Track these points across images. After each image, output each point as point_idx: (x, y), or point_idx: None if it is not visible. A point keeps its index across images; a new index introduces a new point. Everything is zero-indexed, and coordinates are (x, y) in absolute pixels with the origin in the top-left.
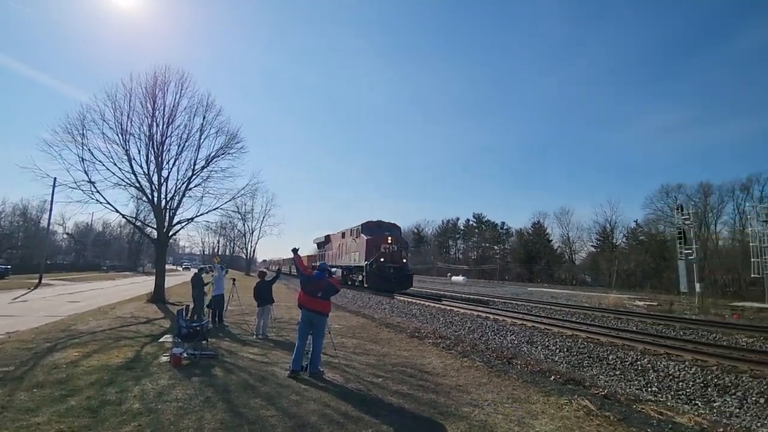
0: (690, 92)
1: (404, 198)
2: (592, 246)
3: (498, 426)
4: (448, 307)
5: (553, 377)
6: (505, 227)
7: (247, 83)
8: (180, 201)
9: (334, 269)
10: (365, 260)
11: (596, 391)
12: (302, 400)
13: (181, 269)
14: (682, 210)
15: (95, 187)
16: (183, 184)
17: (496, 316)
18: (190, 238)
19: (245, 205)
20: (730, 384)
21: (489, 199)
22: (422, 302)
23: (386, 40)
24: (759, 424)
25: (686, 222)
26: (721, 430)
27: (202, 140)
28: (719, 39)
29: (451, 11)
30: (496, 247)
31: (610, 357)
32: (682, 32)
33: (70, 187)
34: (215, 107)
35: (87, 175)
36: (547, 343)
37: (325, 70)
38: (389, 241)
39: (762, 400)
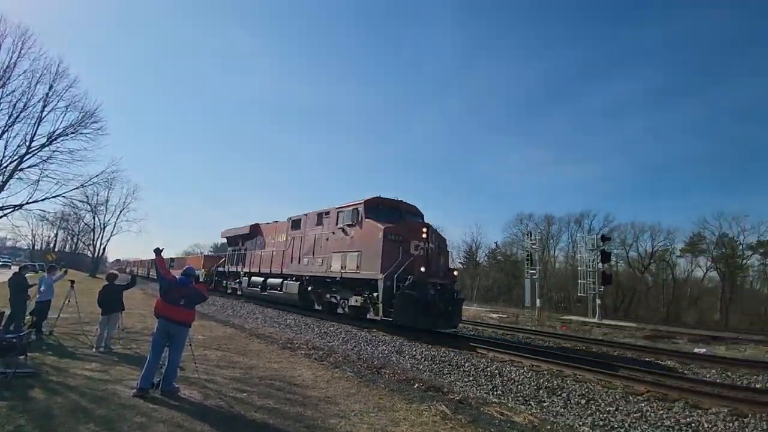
0: (547, 138)
1: (279, 199)
2: (459, 263)
3: None
4: (324, 318)
5: (416, 385)
6: None
7: (121, 64)
8: (5, 183)
9: (278, 280)
10: (381, 270)
11: (452, 397)
12: (149, 422)
13: None
14: (530, 235)
15: None
16: (12, 162)
17: (371, 329)
18: (14, 229)
19: (98, 195)
20: (557, 386)
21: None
22: (297, 313)
23: (273, 37)
24: (580, 423)
25: (533, 246)
26: (549, 427)
27: (44, 113)
28: (572, 97)
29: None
30: None
31: (466, 364)
32: (543, 88)
33: None
34: (67, 77)
35: None
36: (414, 353)
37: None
38: (425, 235)
39: (583, 401)
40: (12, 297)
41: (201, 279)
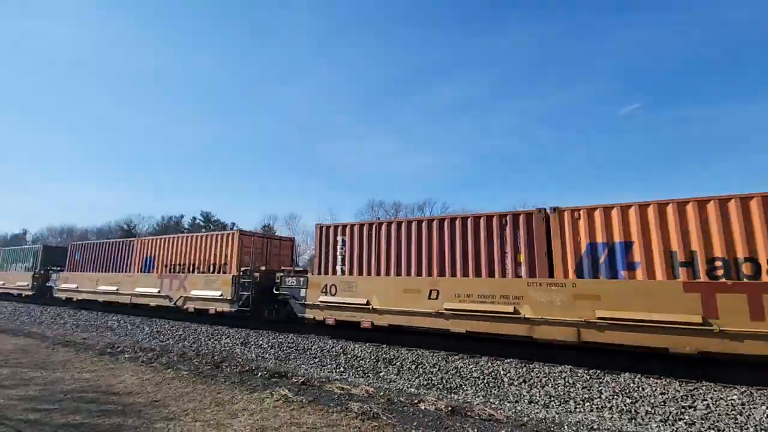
0: (395, 129)
1: (116, 189)
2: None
3: None
4: (158, 316)
5: (260, 374)
6: (235, 227)
7: None
8: None
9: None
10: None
11: (296, 380)
12: None
13: None
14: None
15: None
16: None
17: (214, 324)
18: None
19: None
20: (393, 357)
21: (218, 201)
22: (123, 314)
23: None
24: (408, 386)
25: None
26: (382, 394)
27: None
28: (421, 89)
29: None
30: None
31: (313, 347)
32: (393, 79)
33: None
34: None
35: None
36: (260, 342)
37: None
38: None
39: (413, 367)
40: None
41: None
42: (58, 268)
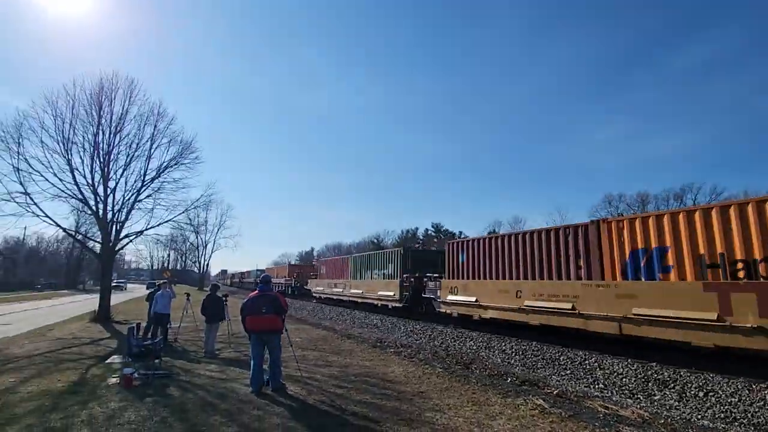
0: (631, 107)
1: (365, 208)
2: None
3: (459, 429)
4: (409, 318)
5: (509, 379)
6: (462, 236)
7: (203, 93)
8: (128, 213)
9: None
10: None
11: (549, 391)
12: (264, 415)
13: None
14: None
15: (32, 199)
16: (132, 195)
17: (456, 326)
18: (137, 253)
19: (198, 217)
20: (668, 378)
21: (447, 210)
22: (382, 314)
23: (340, 49)
24: (699, 416)
25: None
26: (662, 421)
27: (152, 150)
28: (660, 57)
29: (396, 23)
30: None
31: (561, 358)
32: (623, 50)
33: (3, 199)
34: (167, 116)
35: (23, 186)
36: (503, 347)
37: (282, 80)
38: None
39: (701, 394)
40: (150, 310)
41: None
42: (436, 275)
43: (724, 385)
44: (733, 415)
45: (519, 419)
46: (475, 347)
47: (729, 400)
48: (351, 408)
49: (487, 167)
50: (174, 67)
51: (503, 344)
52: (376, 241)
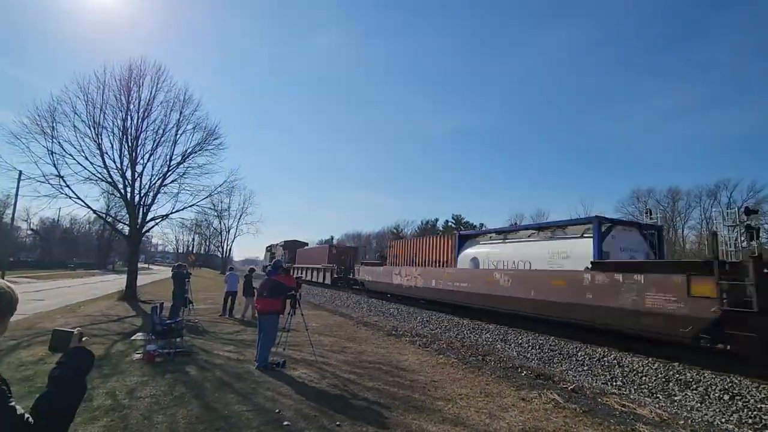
0: (670, 85)
1: (385, 195)
2: None
3: (470, 419)
4: (425, 308)
5: (524, 373)
6: (484, 228)
7: (226, 84)
8: (154, 197)
9: None
10: None
11: (565, 386)
12: (278, 395)
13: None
14: (650, 214)
15: (65, 182)
16: (158, 180)
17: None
18: (163, 236)
19: (222, 202)
20: (691, 379)
21: (467, 202)
22: (399, 303)
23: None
24: (723, 419)
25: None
26: (682, 422)
27: (178, 136)
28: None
29: None
30: None
31: (579, 353)
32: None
33: (38, 181)
34: (193, 102)
35: (56, 169)
36: (520, 341)
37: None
38: None
39: (726, 397)
40: (175, 288)
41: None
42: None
43: (753, 389)
44: (763, 421)
45: (531, 412)
46: (491, 339)
47: (759, 406)
48: (363, 394)
49: (515, 148)
50: (197, 53)
51: (519, 338)
52: (395, 230)
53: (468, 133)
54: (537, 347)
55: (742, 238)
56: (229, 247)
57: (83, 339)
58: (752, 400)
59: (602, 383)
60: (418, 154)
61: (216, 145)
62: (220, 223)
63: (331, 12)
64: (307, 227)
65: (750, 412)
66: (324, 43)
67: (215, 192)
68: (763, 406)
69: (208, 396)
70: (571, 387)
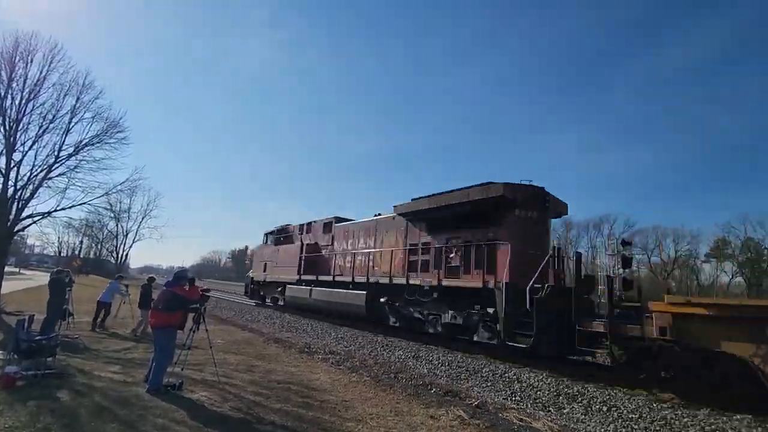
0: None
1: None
2: None
3: None
4: (339, 324)
5: (433, 390)
6: None
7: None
8: (35, 191)
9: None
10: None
11: (470, 402)
12: (171, 422)
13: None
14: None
15: None
16: (42, 171)
17: (387, 335)
18: (42, 236)
19: (121, 202)
20: (577, 393)
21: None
22: (313, 318)
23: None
24: (602, 430)
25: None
26: None
27: (72, 124)
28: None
29: None
30: None
31: (484, 370)
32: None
33: None
34: (94, 89)
35: None
36: (430, 358)
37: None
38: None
39: (605, 408)
40: (51, 297)
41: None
42: None
43: (626, 401)
44: (634, 430)
45: (439, 429)
46: (403, 357)
47: (630, 416)
48: (269, 417)
49: (427, 178)
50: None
51: (431, 354)
52: None
53: (389, 156)
54: (446, 364)
55: (619, 266)
56: (125, 253)
57: None
58: (625, 411)
59: (503, 398)
60: (342, 170)
61: (119, 139)
62: (117, 225)
63: (265, 18)
64: (224, 235)
65: (624, 422)
66: (256, 49)
67: (113, 191)
68: (633, 416)
69: (81, 426)
70: (476, 403)
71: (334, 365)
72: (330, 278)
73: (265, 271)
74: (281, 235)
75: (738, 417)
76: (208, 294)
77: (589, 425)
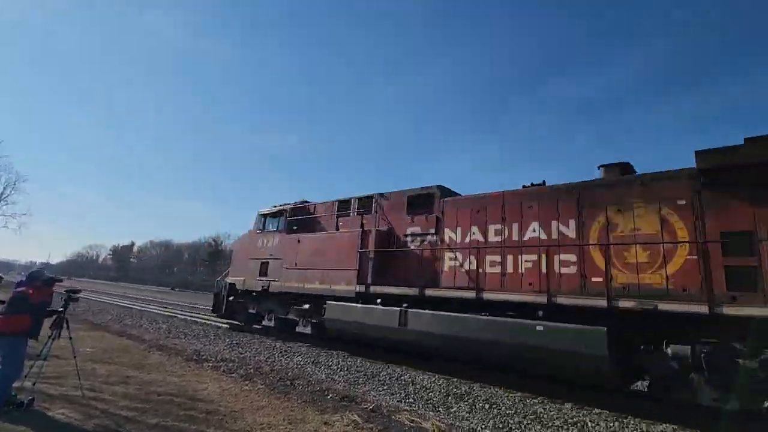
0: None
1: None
2: None
3: None
4: (236, 329)
5: (330, 395)
6: None
7: None
8: None
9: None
10: None
11: (366, 406)
12: None
13: None
14: None
15: None
16: None
17: (287, 340)
18: None
19: None
20: (465, 393)
21: None
22: (206, 323)
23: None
24: (482, 426)
25: None
26: (454, 431)
27: None
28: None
29: None
30: None
31: (382, 374)
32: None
33: None
34: None
35: None
36: (330, 363)
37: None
38: None
39: (487, 406)
40: None
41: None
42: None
43: (505, 398)
44: (509, 425)
45: None
46: (302, 362)
47: (507, 412)
48: None
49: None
50: None
51: (330, 360)
52: (214, 242)
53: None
54: (345, 369)
55: None
56: None
57: None
58: (504, 408)
59: (397, 401)
60: (255, 164)
61: None
62: None
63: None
64: (102, 228)
65: (502, 418)
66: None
67: None
68: (509, 411)
69: None
70: (371, 407)
71: (226, 373)
72: (458, 293)
73: (263, 274)
74: (298, 217)
75: (597, 411)
76: (76, 295)
77: (472, 422)
